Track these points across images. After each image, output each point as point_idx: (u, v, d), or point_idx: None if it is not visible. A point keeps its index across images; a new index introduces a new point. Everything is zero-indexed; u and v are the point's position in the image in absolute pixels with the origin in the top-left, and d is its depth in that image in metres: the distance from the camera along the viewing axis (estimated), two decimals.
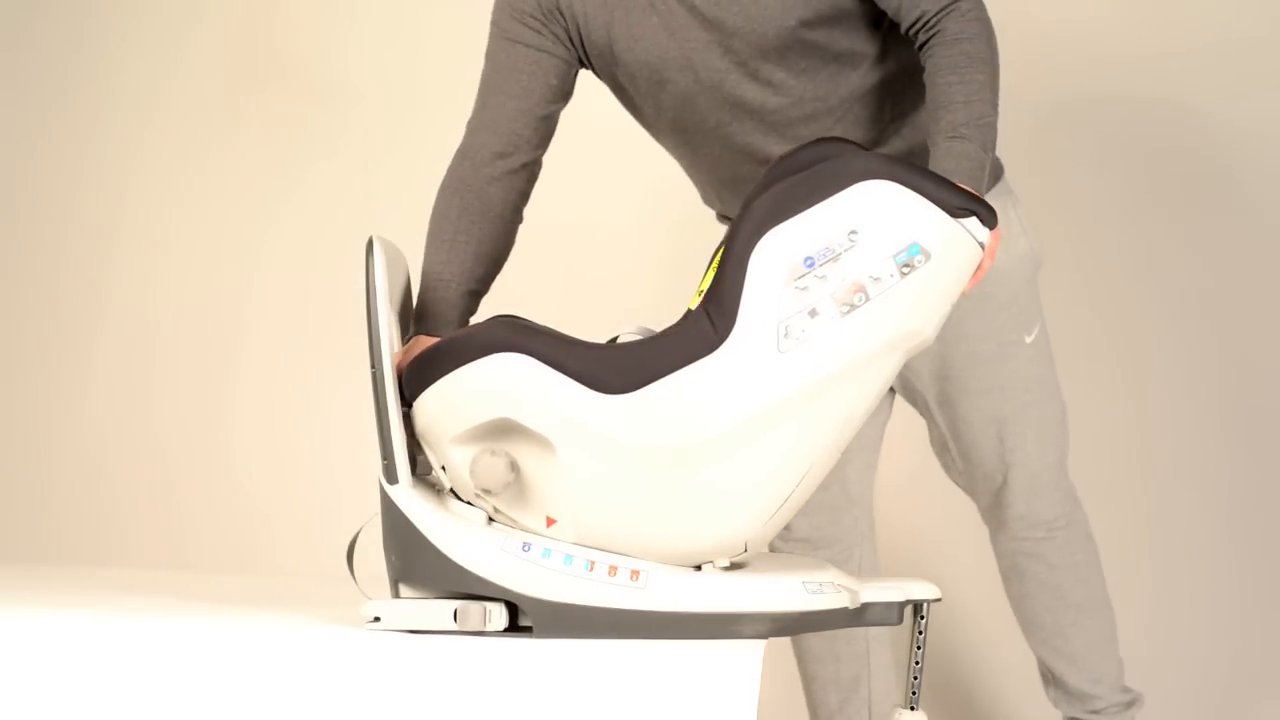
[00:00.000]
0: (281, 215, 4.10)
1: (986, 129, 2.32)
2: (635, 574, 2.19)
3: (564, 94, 2.57)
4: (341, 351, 3.62)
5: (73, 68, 4.20)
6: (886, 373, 2.21)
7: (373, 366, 2.25)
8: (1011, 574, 2.79)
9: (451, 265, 2.46)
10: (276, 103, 4.10)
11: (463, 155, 2.53)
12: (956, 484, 2.81)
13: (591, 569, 2.19)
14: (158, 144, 4.15)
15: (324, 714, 1.88)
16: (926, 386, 2.70)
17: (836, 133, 2.52)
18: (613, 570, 2.19)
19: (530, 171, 2.55)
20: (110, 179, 4.18)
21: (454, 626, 2.21)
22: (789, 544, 2.80)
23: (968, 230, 2.19)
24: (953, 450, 2.75)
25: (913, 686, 2.50)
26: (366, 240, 2.30)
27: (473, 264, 2.47)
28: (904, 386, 2.74)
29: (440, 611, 2.21)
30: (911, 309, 2.18)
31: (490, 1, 2.59)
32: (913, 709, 2.50)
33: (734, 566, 2.27)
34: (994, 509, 2.75)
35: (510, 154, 2.52)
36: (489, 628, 2.20)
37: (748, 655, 2.07)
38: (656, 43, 2.51)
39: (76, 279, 4.18)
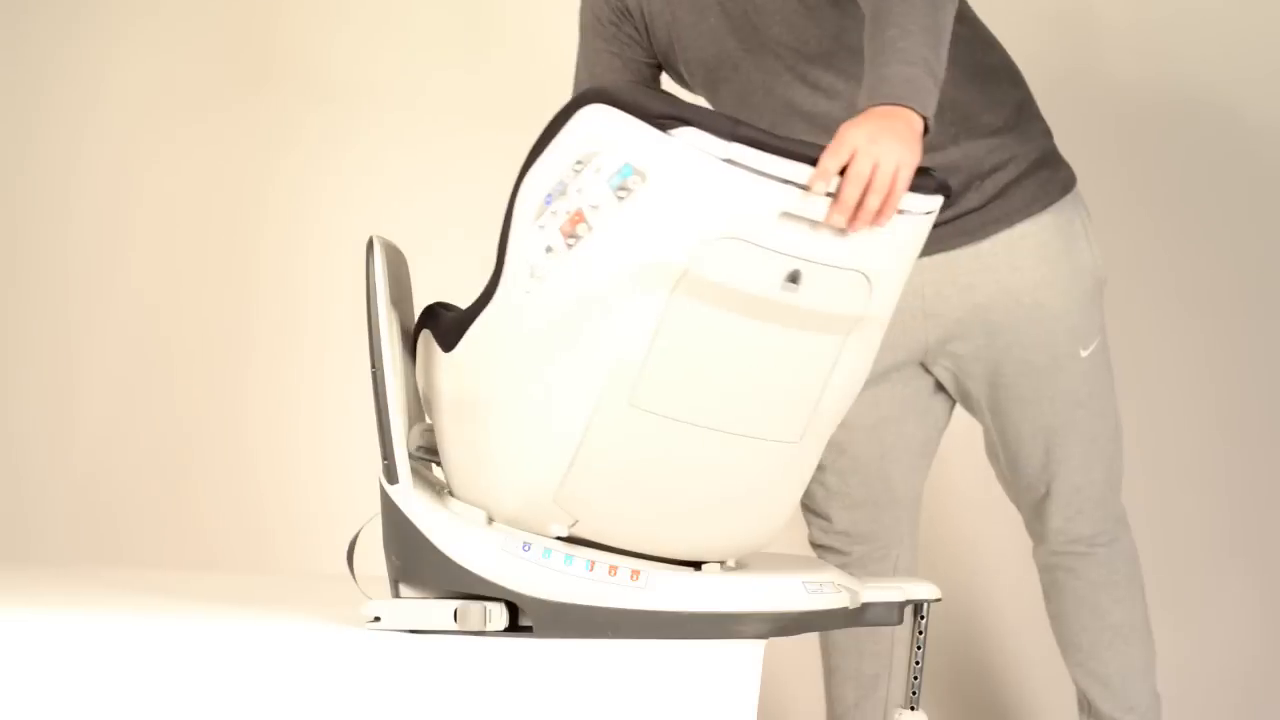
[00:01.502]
0: (281, 214, 4.09)
1: (905, 47, 2.15)
2: (635, 574, 2.18)
3: (654, 85, 2.61)
4: (341, 351, 3.62)
5: (70, 67, 4.20)
6: (656, 315, 2.07)
7: (373, 366, 2.26)
8: (1050, 590, 2.76)
9: None
10: (275, 103, 4.09)
11: None
12: (1006, 494, 2.78)
13: (591, 569, 2.19)
14: (155, 143, 4.15)
15: (324, 714, 1.88)
16: (981, 392, 2.67)
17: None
18: (613, 570, 2.18)
19: None
20: (108, 178, 4.17)
21: (454, 626, 2.20)
22: (829, 535, 2.78)
23: (690, 143, 2.03)
24: (1000, 458, 2.73)
25: (913, 687, 2.50)
26: (367, 240, 2.31)
27: None
28: (960, 391, 2.70)
29: (440, 611, 2.21)
30: (641, 236, 2.05)
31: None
32: (913, 709, 2.51)
33: (736, 566, 2.27)
34: (1034, 520, 2.73)
35: None
36: (489, 628, 2.20)
37: (748, 655, 2.07)
38: (713, 42, 2.52)
39: (77, 277, 4.17)
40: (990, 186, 2.58)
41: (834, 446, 2.70)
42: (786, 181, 2.05)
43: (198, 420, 4.09)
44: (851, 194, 2.06)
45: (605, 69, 2.58)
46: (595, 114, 2.08)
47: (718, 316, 2.09)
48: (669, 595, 2.17)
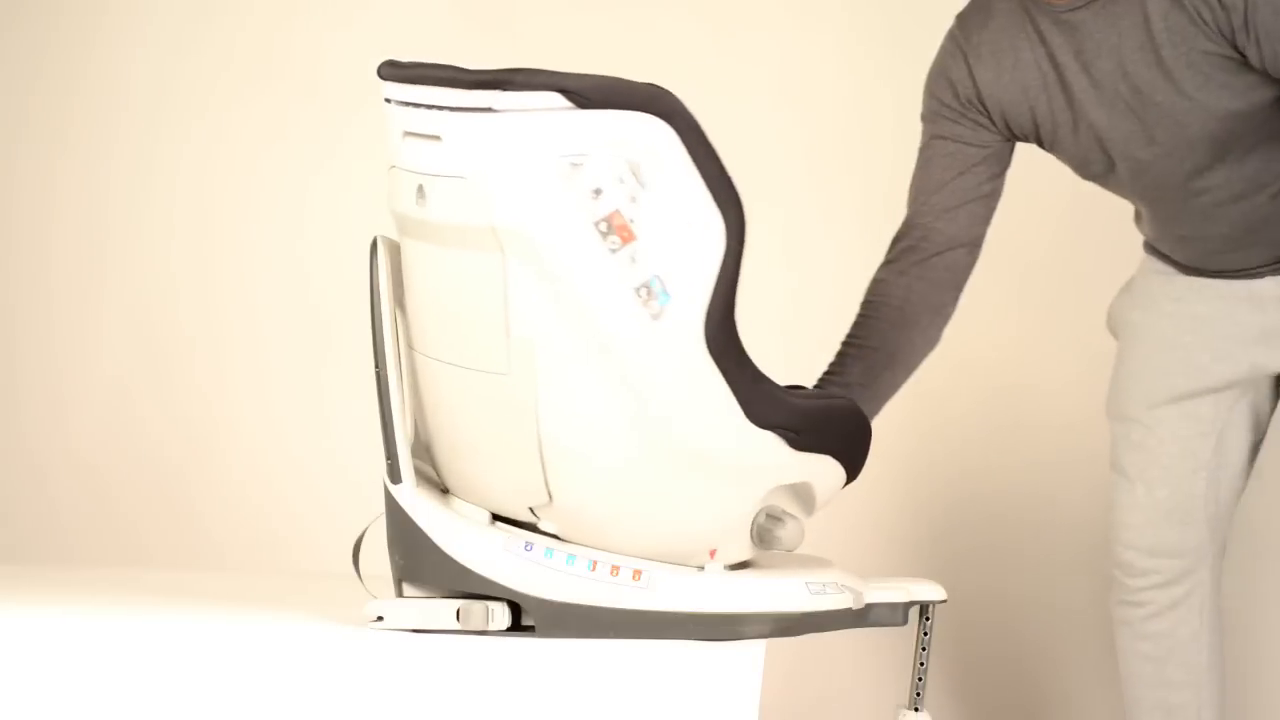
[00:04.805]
0: (285, 213, 4.10)
1: None
2: (637, 574, 2.18)
3: (1003, 169, 2.55)
4: (344, 350, 3.61)
5: (77, 66, 4.20)
6: (400, 258, 2.28)
7: (377, 367, 2.27)
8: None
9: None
10: (278, 102, 4.10)
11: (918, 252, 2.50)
12: None
13: (594, 569, 2.19)
14: (155, 142, 4.15)
15: (327, 713, 1.89)
16: None
17: (1269, 208, 2.46)
18: (615, 570, 2.19)
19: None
20: (110, 177, 4.17)
21: (457, 626, 2.20)
22: (1155, 558, 2.65)
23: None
24: None
25: (917, 688, 2.50)
26: (371, 240, 2.31)
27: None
28: None
29: (443, 611, 2.21)
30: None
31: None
32: (917, 710, 2.50)
33: (740, 565, 2.27)
34: None
35: (973, 245, 2.52)
36: (491, 627, 2.20)
37: (750, 656, 2.07)
38: (1077, 140, 2.48)
39: (75, 275, 4.17)
40: None
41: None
42: (404, 103, 2.16)
43: (200, 419, 4.09)
44: None
45: (938, 154, 2.50)
46: None
47: (410, 246, 2.23)
48: (671, 595, 2.17)
